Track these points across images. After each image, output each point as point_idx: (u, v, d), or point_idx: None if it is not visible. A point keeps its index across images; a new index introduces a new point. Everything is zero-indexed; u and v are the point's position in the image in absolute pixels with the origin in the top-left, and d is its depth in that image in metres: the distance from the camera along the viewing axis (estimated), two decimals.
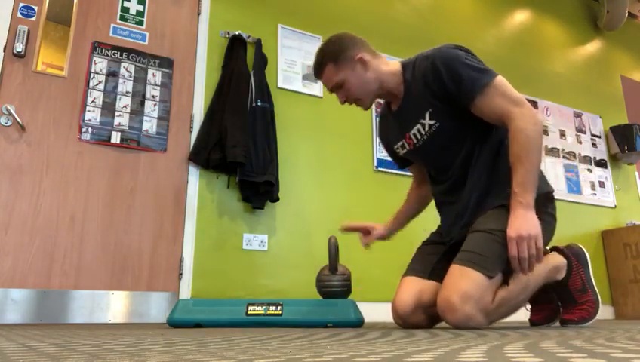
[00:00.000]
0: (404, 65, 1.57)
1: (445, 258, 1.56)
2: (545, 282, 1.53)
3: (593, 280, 1.63)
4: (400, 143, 1.66)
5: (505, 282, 1.42)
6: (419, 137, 1.57)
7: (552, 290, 1.62)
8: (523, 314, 1.70)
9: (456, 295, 1.34)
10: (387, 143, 1.77)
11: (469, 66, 1.42)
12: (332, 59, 1.55)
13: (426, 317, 1.54)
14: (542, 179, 1.50)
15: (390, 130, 1.70)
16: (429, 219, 2.03)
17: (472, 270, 1.37)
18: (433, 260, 1.62)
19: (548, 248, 1.64)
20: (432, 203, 1.84)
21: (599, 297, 1.62)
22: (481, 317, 1.35)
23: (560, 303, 1.64)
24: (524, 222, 1.34)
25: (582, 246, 1.67)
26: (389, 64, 1.59)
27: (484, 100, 1.42)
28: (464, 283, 1.36)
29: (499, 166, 1.51)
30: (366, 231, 1.83)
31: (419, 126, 1.55)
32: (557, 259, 1.58)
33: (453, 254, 1.47)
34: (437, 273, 1.54)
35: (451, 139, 1.54)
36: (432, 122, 1.52)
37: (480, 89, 1.41)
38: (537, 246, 1.34)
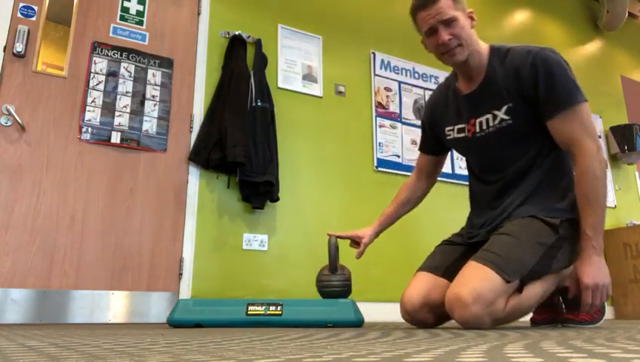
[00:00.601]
0: (492, 49, 1.49)
1: (463, 258, 1.52)
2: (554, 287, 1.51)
3: None
4: (459, 126, 1.58)
5: (518, 289, 1.39)
6: (484, 127, 1.51)
7: (559, 294, 1.59)
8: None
9: (467, 291, 1.31)
10: (436, 121, 1.67)
11: (568, 77, 1.38)
12: None
13: (433, 316, 1.53)
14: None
15: (449, 110, 1.61)
16: (428, 224, 2.04)
17: (491, 271, 1.33)
18: (449, 259, 1.59)
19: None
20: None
21: (606, 305, 1.59)
22: (489, 321, 1.33)
23: (565, 306, 1.62)
24: (598, 270, 1.35)
25: None
26: (480, 41, 1.51)
27: (565, 117, 1.39)
28: (479, 281, 1.32)
29: (551, 178, 1.48)
30: (354, 241, 1.79)
31: (489, 116, 1.48)
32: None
33: (472, 254, 1.44)
34: (451, 272, 1.51)
35: (518, 141, 1.48)
36: (506, 117, 1.45)
37: (569, 105, 1.38)
38: (608, 294, 1.37)
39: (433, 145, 1.75)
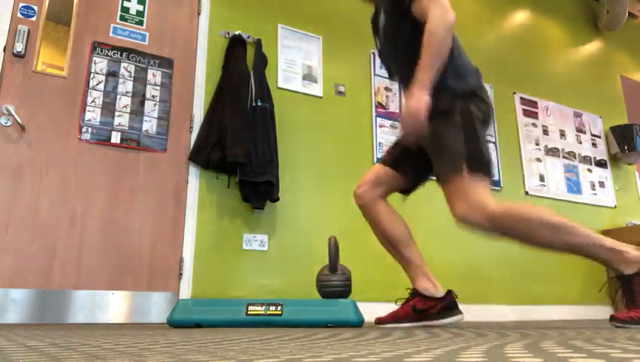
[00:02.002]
0: None
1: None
2: (596, 257, 1.42)
3: None
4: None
5: None
6: (382, 38, 1.77)
7: (620, 283, 1.44)
8: (527, 313, 1.67)
9: (452, 207, 1.54)
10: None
11: None
12: None
13: (379, 196, 1.76)
14: (459, 76, 1.60)
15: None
16: (427, 224, 2.04)
17: (444, 176, 1.53)
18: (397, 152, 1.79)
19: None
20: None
21: None
22: (478, 216, 1.47)
23: (623, 299, 1.46)
24: (412, 100, 1.49)
25: None
26: None
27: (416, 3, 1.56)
28: (450, 194, 1.53)
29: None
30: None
31: (380, 26, 1.77)
32: (630, 252, 1.40)
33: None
34: (398, 161, 1.75)
35: (396, 39, 1.69)
36: (383, 22, 1.73)
37: None
38: (418, 120, 1.48)
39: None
